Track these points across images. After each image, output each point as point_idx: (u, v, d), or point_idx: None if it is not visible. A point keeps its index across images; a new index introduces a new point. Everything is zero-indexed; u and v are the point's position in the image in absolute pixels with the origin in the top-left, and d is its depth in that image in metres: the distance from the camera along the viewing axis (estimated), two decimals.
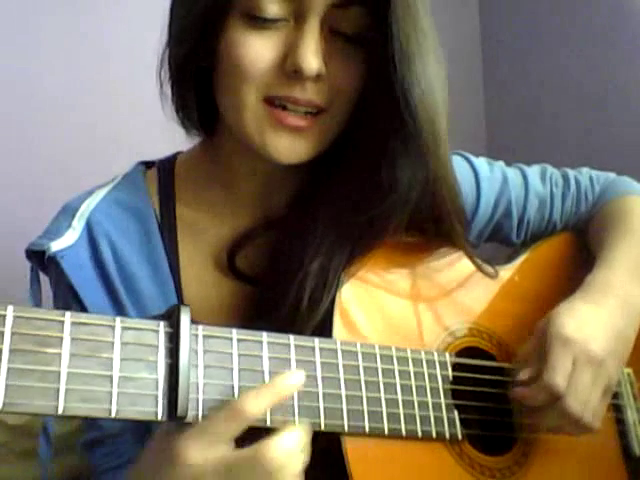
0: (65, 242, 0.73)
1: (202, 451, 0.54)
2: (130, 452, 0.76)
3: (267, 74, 0.67)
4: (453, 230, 0.77)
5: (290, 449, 0.56)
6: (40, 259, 0.73)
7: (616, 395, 0.86)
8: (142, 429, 0.75)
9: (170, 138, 0.80)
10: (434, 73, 0.69)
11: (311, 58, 0.66)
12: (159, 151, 0.84)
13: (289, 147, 0.70)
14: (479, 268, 0.82)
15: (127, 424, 0.76)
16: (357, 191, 0.74)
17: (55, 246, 0.72)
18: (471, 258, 0.81)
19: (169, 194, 0.80)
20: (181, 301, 0.75)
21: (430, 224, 0.77)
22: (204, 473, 0.54)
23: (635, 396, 0.88)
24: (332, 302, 0.70)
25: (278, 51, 0.67)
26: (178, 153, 0.84)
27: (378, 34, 0.67)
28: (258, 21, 0.67)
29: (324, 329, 0.68)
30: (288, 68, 0.67)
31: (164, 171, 0.82)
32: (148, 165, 0.84)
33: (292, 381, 0.59)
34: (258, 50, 0.67)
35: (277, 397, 0.57)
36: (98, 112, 1.37)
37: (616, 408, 0.86)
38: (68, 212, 0.76)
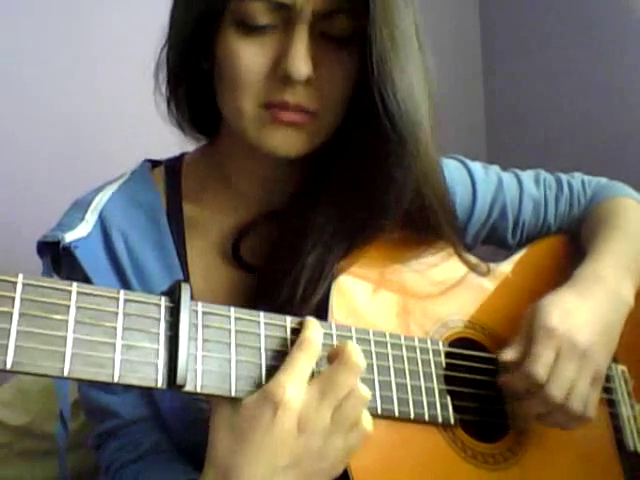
0: (78, 234, 0.76)
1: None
2: (147, 442, 0.76)
3: (260, 81, 0.71)
4: (441, 228, 0.80)
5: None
6: (53, 253, 0.75)
7: (610, 391, 0.88)
8: (159, 416, 0.77)
9: (173, 140, 0.84)
10: (415, 79, 0.71)
11: (300, 63, 0.69)
12: (162, 153, 0.88)
13: (285, 141, 0.73)
14: (470, 267, 0.84)
15: (143, 411, 0.77)
16: (356, 188, 0.77)
17: (69, 237, 0.75)
18: (460, 256, 0.83)
19: (176, 191, 0.84)
20: None
21: (421, 222, 0.80)
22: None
23: (629, 393, 0.90)
24: (325, 294, 0.72)
25: (269, 58, 0.71)
26: (184, 154, 0.88)
27: (364, 38, 0.70)
28: (249, 28, 0.71)
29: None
30: (279, 74, 0.70)
31: (171, 170, 0.86)
32: (154, 164, 0.88)
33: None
34: (250, 58, 0.71)
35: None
36: (97, 113, 1.41)
37: (611, 403, 0.88)
38: (81, 206, 0.80)
